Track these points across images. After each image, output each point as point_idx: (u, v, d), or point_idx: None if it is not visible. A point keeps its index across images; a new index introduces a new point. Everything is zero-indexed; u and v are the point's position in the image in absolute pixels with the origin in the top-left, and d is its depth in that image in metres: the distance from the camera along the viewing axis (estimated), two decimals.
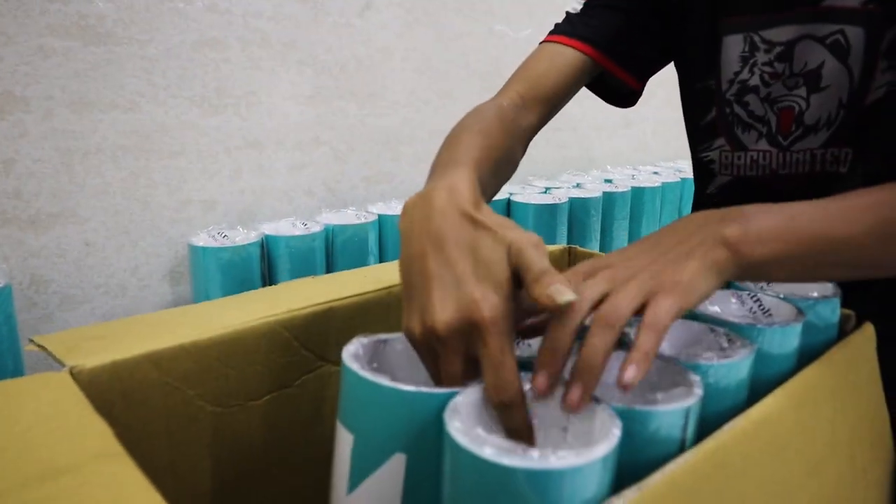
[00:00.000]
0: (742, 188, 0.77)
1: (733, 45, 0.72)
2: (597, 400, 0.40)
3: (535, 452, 0.34)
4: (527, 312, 0.46)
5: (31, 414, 0.44)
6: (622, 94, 0.87)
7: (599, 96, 0.88)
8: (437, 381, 0.45)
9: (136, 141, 1.07)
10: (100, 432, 0.42)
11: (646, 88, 0.88)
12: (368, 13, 1.37)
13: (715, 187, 0.80)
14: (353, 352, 0.46)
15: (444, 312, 0.42)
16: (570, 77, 0.81)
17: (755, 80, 0.72)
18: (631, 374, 0.38)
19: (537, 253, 0.43)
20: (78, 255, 1.04)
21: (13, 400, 0.46)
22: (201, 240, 0.96)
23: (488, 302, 0.41)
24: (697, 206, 0.88)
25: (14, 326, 0.79)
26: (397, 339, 0.49)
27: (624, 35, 0.81)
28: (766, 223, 0.46)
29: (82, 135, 1.01)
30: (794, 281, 0.53)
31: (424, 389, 0.41)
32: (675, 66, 0.83)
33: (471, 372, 0.43)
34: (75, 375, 0.50)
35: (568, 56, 0.80)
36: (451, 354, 0.43)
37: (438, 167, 0.57)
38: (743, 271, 0.46)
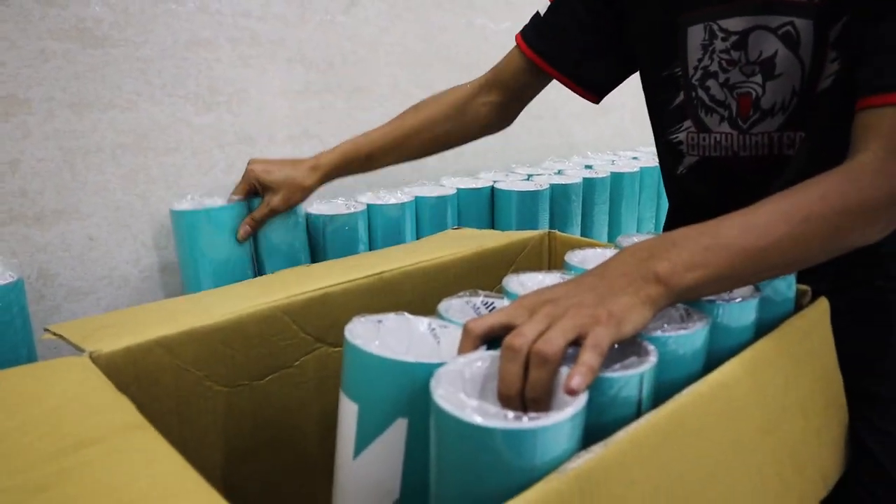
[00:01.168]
0: (708, 168, 0.81)
1: (696, 34, 0.76)
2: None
3: (510, 413, 0.38)
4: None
5: (58, 393, 0.46)
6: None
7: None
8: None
9: (134, 139, 1.10)
10: (124, 407, 0.44)
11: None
12: (353, 10, 1.39)
13: (684, 168, 0.83)
14: (354, 329, 0.49)
15: None
16: (528, 78, 0.94)
17: (714, 67, 0.75)
18: (577, 381, 0.40)
19: None
20: (82, 249, 1.06)
21: (41, 382, 0.48)
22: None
23: None
24: (669, 187, 0.91)
25: (27, 318, 0.82)
26: (390, 318, 0.53)
27: (582, 53, 0.88)
28: (692, 249, 0.50)
29: (83, 134, 1.03)
30: (726, 291, 0.57)
31: (423, 360, 0.45)
32: (637, 56, 0.87)
33: None
34: (94, 359, 0.53)
35: (525, 63, 0.92)
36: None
37: None
38: (676, 298, 0.50)
